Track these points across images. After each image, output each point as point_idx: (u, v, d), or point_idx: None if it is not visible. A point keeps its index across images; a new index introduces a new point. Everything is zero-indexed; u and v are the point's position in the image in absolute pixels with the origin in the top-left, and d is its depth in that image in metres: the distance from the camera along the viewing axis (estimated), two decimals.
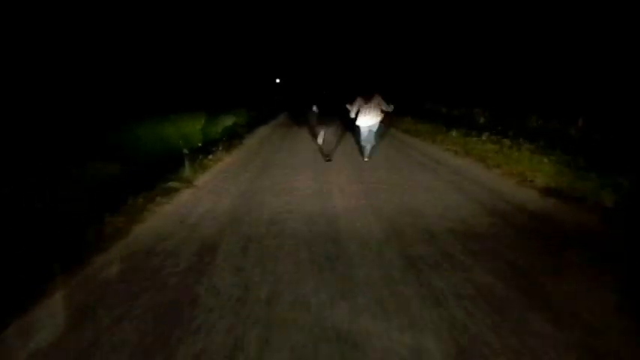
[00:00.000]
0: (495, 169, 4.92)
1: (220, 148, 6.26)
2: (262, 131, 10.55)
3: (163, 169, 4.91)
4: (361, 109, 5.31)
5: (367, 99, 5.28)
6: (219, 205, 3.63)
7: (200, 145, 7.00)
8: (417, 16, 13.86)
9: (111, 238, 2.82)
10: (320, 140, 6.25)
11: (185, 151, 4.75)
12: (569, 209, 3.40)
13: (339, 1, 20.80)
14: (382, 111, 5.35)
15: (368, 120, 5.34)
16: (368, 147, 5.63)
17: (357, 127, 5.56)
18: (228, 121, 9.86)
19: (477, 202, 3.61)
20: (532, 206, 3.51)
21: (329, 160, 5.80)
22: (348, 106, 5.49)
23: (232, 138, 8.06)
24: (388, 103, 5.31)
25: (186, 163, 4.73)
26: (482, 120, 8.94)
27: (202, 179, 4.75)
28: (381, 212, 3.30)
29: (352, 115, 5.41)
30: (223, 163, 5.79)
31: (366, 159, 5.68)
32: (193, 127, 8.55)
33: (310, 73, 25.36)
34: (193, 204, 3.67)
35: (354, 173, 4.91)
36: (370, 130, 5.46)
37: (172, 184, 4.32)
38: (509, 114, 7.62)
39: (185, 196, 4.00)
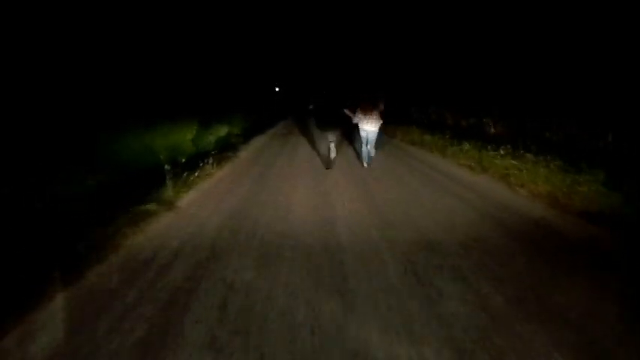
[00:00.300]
0: (520, 189, 4.35)
1: (211, 162, 5.66)
2: (259, 141, 9.99)
3: (145, 186, 4.32)
4: (362, 116, 5.41)
5: (368, 106, 5.37)
6: (201, 235, 3.02)
7: (190, 157, 6.42)
8: (422, 22, 13.47)
9: (54, 284, 2.20)
10: (322, 149, 6.10)
11: (167, 167, 4.15)
12: (620, 241, 2.83)
13: (340, 3, 20.44)
14: (380, 115, 5.45)
15: (368, 126, 5.42)
16: (364, 153, 5.66)
17: (358, 133, 5.64)
18: (222, 130, 9.28)
19: (506, 230, 3.03)
20: (575, 236, 2.95)
21: (329, 166, 5.71)
22: (346, 111, 5.64)
23: (226, 149, 7.49)
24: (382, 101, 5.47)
25: (168, 182, 4.12)
26: (492, 131, 8.43)
27: (186, 199, 4.13)
28: (394, 246, 2.69)
29: (355, 121, 5.55)
30: (213, 179, 5.18)
31: (365, 165, 5.74)
32: (184, 137, 7.98)
33: (310, 80, 25.02)
34: (170, 234, 3.05)
35: (360, 191, 4.31)
36: (370, 136, 5.49)
37: (150, 206, 3.70)
38: (524, 124, 7.09)
39: (162, 222, 3.38)
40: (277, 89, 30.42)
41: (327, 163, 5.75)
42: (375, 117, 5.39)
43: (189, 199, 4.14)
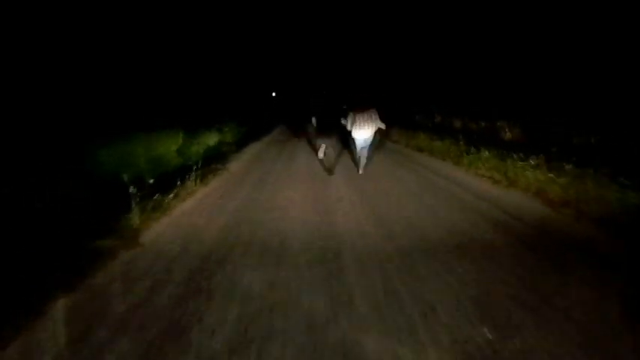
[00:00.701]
0: (563, 209, 3.58)
1: (193, 177, 4.87)
2: (253, 150, 9.21)
3: (109, 212, 3.52)
4: (356, 121, 5.17)
5: (362, 111, 5.16)
6: (162, 288, 2.22)
7: (175, 169, 5.65)
8: (421, 18, 12.82)
9: None
10: (321, 154, 6.07)
11: (132, 189, 3.35)
12: None
13: (340, 4, 19.78)
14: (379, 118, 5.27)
15: (363, 132, 5.19)
16: (362, 159, 5.52)
17: (353, 139, 5.40)
18: (212, 138, 8.52)
19: (563, 270, 2.24)
20: None
21: (330, 173, 5.69)
22: (342, 121, 5.46)
23: (215, 161, 6.71)
24: (382, 119, 5.23)
25: (134, 208, 3.33)
26: (508, 135, 7.70)
27: (155, 230, 3.34)
28: (423, 297, 1.91)
29: (348, 128, 5.30)
30: (194, 199, 4.40)
31: (360, 171, 5.60)
32: (169, 147, 7.19)
33: (308, 85, 24.37)
34: (118, 289, 2.25)
35: (371, 213, 3.52)
36: (365, 141, 5.31)
37: (106, 242, 2.91)
38: (547, 128, 6.35)
39: (115, 269, 2.57)
40: (274, 94, 29.77)
41: (328, 171, 5.76)
42: (370, 121, 5.14)
43: (159, 229, 3.34)
